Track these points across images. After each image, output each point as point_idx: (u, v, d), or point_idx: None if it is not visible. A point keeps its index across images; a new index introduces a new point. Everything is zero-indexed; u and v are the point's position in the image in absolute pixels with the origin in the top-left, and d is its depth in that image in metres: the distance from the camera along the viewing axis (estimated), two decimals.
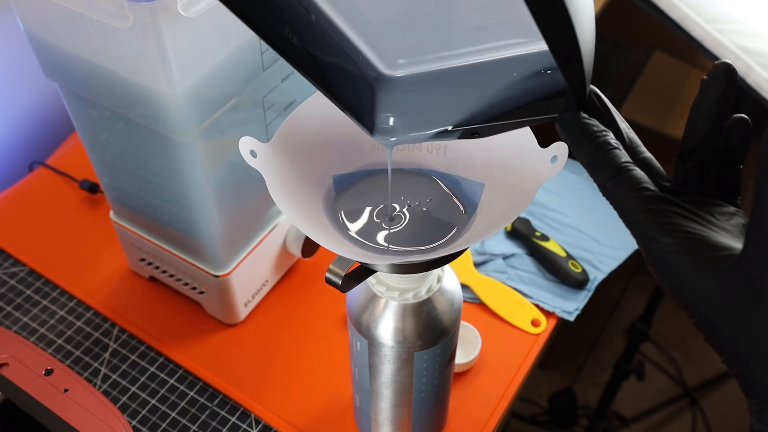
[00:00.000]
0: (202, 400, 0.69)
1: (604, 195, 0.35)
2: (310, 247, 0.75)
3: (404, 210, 0.48)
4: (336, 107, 0.41)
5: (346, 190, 0.49)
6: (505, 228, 0.83)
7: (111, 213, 0.73)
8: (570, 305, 0.76)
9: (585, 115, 0.36)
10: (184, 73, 0.51)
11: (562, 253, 0.79)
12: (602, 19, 1.09)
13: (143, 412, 0.68)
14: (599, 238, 0.83)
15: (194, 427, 0.67)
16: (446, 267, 0.53)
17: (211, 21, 0.51)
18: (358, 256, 0.44)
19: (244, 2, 0.35)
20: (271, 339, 0.74)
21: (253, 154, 0.44)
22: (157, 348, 0.73)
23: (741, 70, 0.83)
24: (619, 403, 1.49)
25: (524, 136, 0.46)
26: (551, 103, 0.37)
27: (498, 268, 0.79)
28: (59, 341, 0.73)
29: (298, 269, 0.79)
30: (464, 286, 0.78)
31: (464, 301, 0.77)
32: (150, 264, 0.75)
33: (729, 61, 0.36)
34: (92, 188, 0.85)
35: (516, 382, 0.71)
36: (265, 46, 0.58)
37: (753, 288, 0.30)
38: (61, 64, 0.58)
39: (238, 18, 0.36)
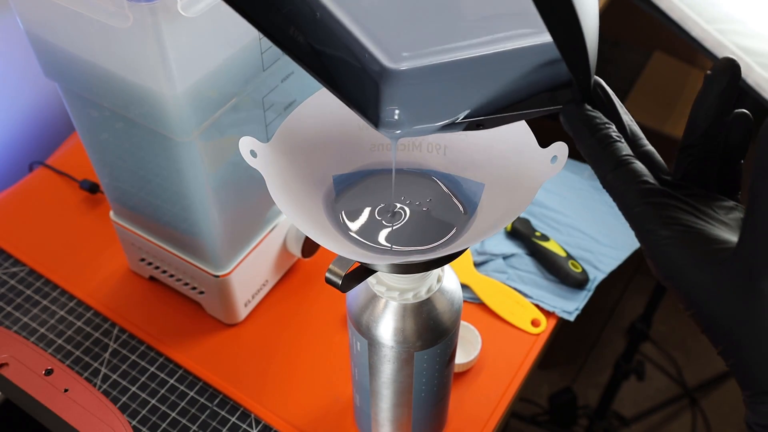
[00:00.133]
0: (202, 400, 0.69)
1: (604, 187, 0.35)
2: (310, 247, 0.75)
3: (405, 206, 0.48)
4: (336, 108, 0.41)
5: (346, 190, 0.49)
6: (505, 228, 0.83)
7: (111, 213, 0.73)
8: (570, 305, 0.76)
9: (589, 107, 0.36)
10: (184, 73, 0.51)
11: (562, 253, 0.79)
12: (602, 19, 1.09)
13: (143, 412, 0.68)
14: (599, 238, 0.83)
15: (194, 427, 0.67)
16: (446, 267, 0.53)
17: (211, 21, 0.51)
18: (358, 256, 0.44)
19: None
20: (271, 339, 0.74)
21: (253, 154, 0.44)
22: (157, 348, 0.73)
23: (741, 70, 0.83)
24: (619, 403, 1.49)
25: (524, 136, 0.46)
26: (555, 95, 0.38)
27: (498, 268, 0.79)
28: (59, 341, 0.73)
29: (298, 269, 0.79)
30: (464, 286, 0.78)
31: (464, 301, 0.77)
32: (150, 264, 0.75)
33: (733, 57, 0.36)
34: (92, 188, 0.85)
35: (516, 382, 0.71)
36: (265, 46, 0.58)
37: (748, 281, 0.31)
38: (61, 64, 0.58)
39: (239, 14, 0.36)
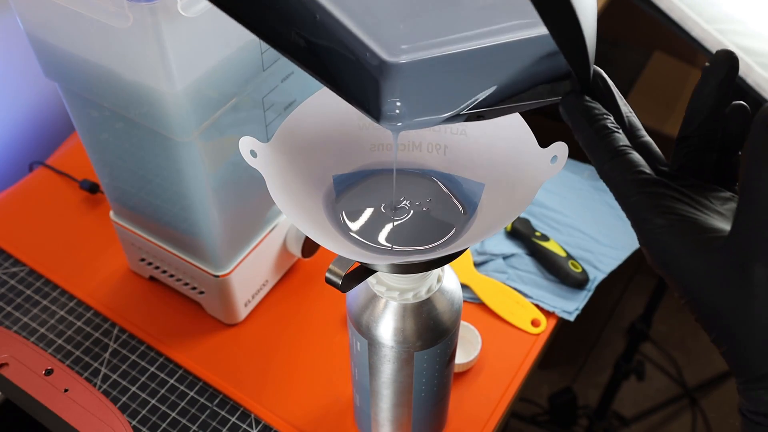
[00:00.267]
0: (202, 400, 0.69)
1: (601, 177, 0.36)
2: (310, 247, 0.75)
3: (407, 203, 0.48)
4: (336, 108, 0.41)
5: (346, 190, 0.49)
6: (505, 228, 0.83)
7: (111, 213, 0.73)
8: (570, 305, 0.76)
9: (588, 98, 0.37)
10: (184, 73, 0.51)
11: (562, 253, 0.79)
12: (602, 19, 1.09)
13: (143, 412, 0.68)
14: (599, 238, 0.83)
15: (194, 427, 0.67)
16: (446, 267, 0.53)
17: (211, 21, 0.51)
18: (358, 256, 0.44)
19: (241, 2, 0.35)
20: (271, 339, 0.74)
21: (253, 154, 0.44)
22: (157, 348, 0.73)
23: (741, 70, 0.83)
24: (619, 403, 1.48)
25: (524, 136, 0.46)
26: (555, 86, 0.38)
27: (498, 268, 0.79)
28: (59, 341, 0.73)
29: (298, 269, 0.79)
30: (464, 286, 0.78)
31: (464, 301, 0.77)
32: (150, 264, 0.75)
33: (731, 50, 0.36)
34: (92, 188, 0.85)
35: (516, 382, 0.71)
36: (265, 46, 0.58)
37: (740, 268, 0.31)
38: (61, 64, 0.58)
39: (233, 18, 0.36)
